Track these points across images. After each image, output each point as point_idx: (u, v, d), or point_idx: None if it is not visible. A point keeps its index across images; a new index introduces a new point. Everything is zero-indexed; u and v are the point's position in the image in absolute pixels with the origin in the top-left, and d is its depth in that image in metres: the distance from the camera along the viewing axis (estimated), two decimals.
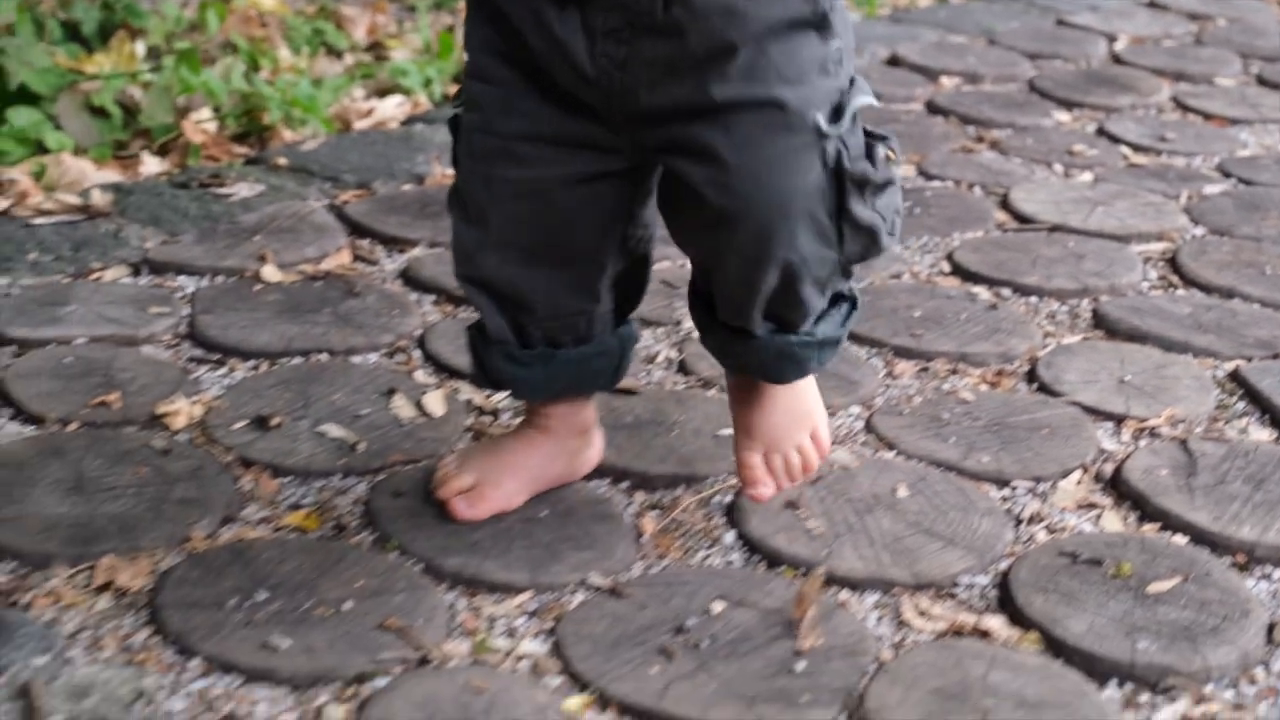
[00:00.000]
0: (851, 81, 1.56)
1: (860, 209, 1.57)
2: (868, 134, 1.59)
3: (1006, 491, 2.00)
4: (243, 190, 3.03)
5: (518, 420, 1.98)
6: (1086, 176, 3.34)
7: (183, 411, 2.10)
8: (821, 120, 1.50)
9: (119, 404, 2.11)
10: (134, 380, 2.18)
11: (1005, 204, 3.13)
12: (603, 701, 1.56)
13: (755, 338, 1.67)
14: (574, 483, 1.91)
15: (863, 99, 1.55)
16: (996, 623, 1.71)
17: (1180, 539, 1.90)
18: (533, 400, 1.84)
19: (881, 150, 1.59)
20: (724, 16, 1.47)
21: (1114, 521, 1.94)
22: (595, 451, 1.90)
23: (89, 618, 1.66)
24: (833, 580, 1.77)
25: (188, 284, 2.56)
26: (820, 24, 1.51)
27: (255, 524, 1.85)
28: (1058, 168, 3.40)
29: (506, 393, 1.99)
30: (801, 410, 1.79)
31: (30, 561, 1.75)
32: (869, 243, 1.62)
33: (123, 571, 1.73)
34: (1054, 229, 2.97)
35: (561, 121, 1.59)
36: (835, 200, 1.55)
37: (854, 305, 1.75)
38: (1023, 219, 3.05)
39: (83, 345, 2.29)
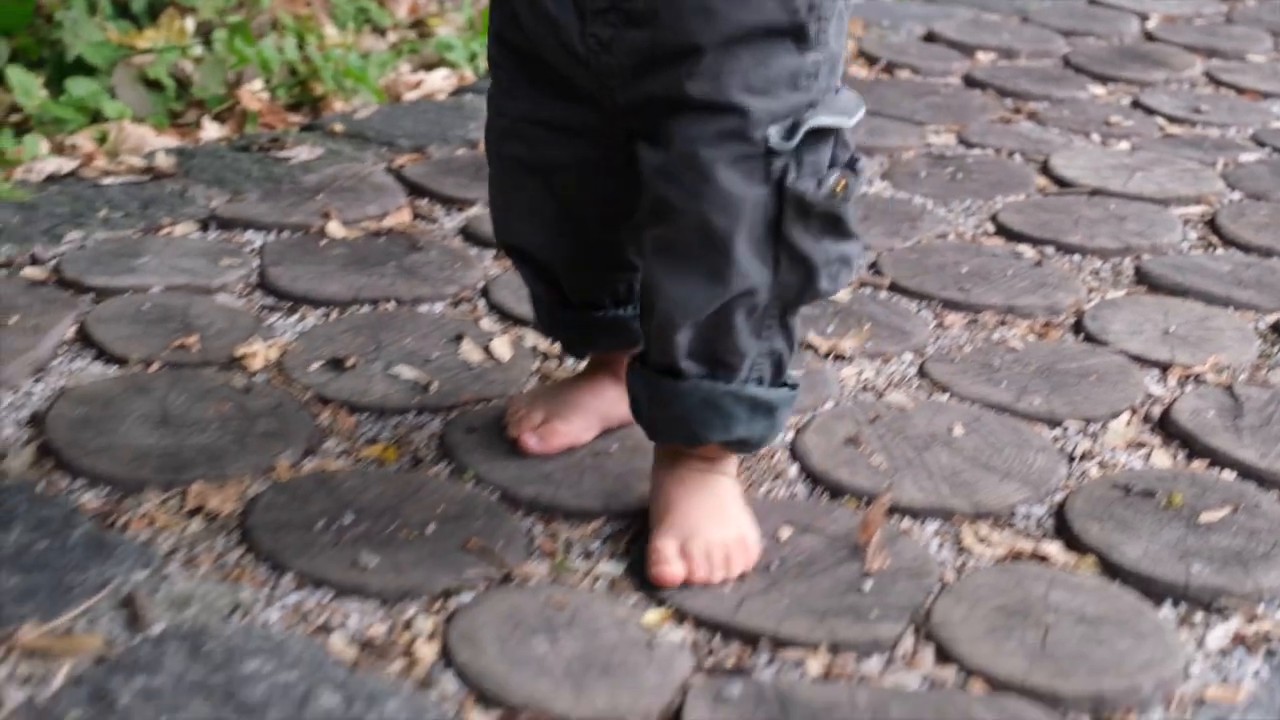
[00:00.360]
0: (825, 97, 1.50)
1: (798, 235, 1.52)
2: (845, 160, 1.54)
3: (1058, 431, 2.05)
4: (302, 153, 3.09)
5: (583, 364, 2.03)
6: (1124, 145, 3.38)
7: (259, 354, 2.15)
8: (775, 135, 1.46)
9: (197, 347, 2.17)
10: (211, 325, 2.24)
11: (1045, 169, 3.18)
12: (679, 616, 1.61)
13: (682, 381, 1.60)
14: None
15: (825, 119, 1.48)
16: (1054, 549, 1.76)
17: (1228, 474, 1.95)
18: (580, 356, 1.91)
19: (833, 177, 1.50)
20: (698, 14, 1.44)
21: (1163, 459, 1.99)
22: None
23: (183, 539, 1.71)
24: (894, 510, 1.82)
25: (255, 238, 2.61)
26: (798, 34, 1.47)
27: (335, 456, 1.90)
28: (1095, 137, 3.44)
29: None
30: (726, 512, 1.69)
31: (124, 487, 1.80)
32: (804, 279, 1.55)
33: (212, 497, 1.78)
34: (1094, 192, 3.02)
35: (556, 107, 1.60)
36: (774, 217, 1.50)
37: (794, 390, 1.68)
38: (1063, 183, 3.09)
39: (159, 293, 2.34)
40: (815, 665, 1.54)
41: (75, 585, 1.60)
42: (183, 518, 1.76)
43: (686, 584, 1.62)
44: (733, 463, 1.72)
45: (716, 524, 1.65)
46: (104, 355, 2.14)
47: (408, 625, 1.58)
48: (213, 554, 1.69)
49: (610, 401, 1.88)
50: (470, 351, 2.20)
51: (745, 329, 1.56)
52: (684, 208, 1.48)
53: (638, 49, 1.49)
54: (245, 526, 1.73)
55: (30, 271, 2.41)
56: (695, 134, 1.46)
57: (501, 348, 2.22)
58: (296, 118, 3.41)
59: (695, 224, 1.48)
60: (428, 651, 1.54)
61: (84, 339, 2.18)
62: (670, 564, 1.62)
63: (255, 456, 1.87)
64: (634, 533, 1.75)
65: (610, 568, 1.70)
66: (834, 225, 1.53)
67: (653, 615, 1.61)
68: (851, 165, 1.53)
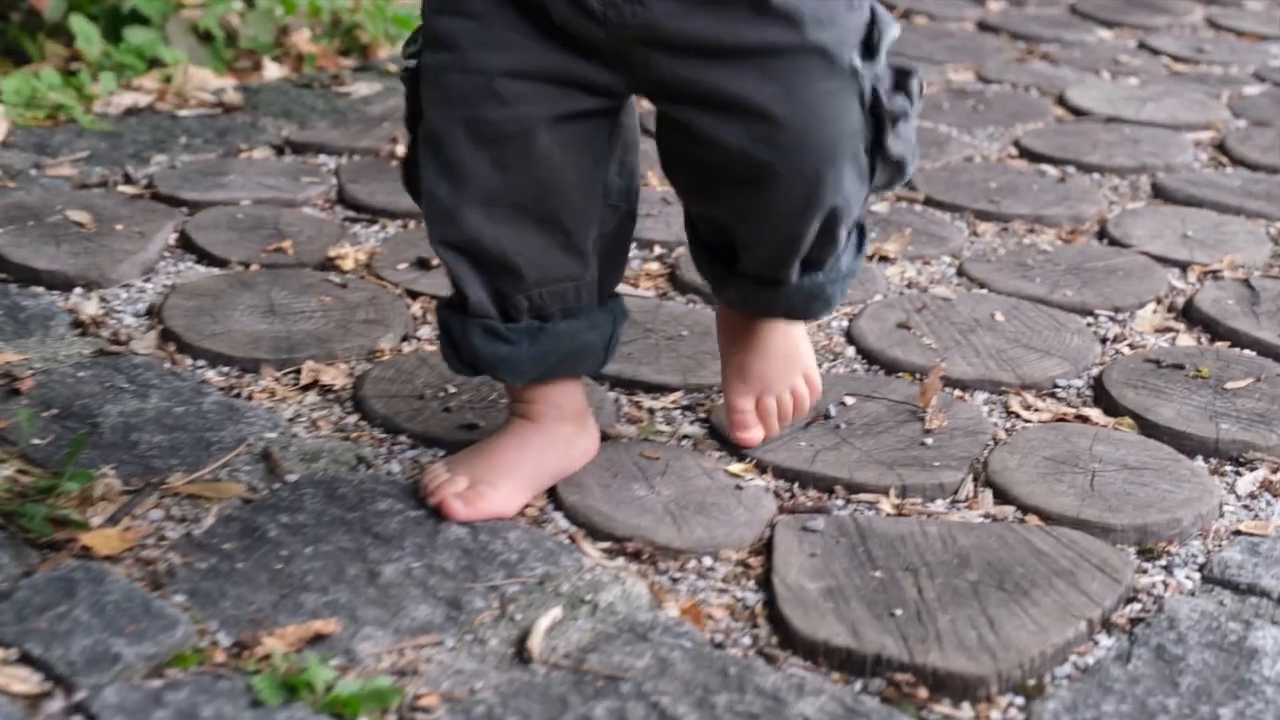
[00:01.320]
0: (873, 12, 1.46)
1: (894, 143, 1.49)
2: (900, 70, 1.51)
3: (1090, 319, 2.19)
4: (361, 89, 3.22)
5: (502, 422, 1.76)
6: (1133, 81, 3.52)
7: (350, 256, 2.29)
8: (857, 61, 1.42)
9: (291, 250, 2.31)
10: (301, 232, 2.37)
11: (1061, 101, 3.32)
12: (760, 467, 1.75)
13: (785, 285, 1.58)
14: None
15: (892, 31, 1.46)
16: (1094, 413, 1.90)
17: (1249, 352, 2.09)
18: (518, 382, 1.61)
19: (915, 82, 1.50)
20: None
21: (1188, 341, 2.13)
22: (592, 439, 1.69)
23: (302, 407, 1.85)
24: (947, 381, 1.95)
25: (329, 161, 2.75)
26: None
27: (431, 341, 2.04)
28: (1105, 75, 3.58)
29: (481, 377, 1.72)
30: (794, 351, 1.71)
31: (242, 366, 1.94)
32: (895, 173, 1.54)
33: (324, 373, 1.92)
34: (1109, 120, 3.15)
35: (548, 55, 1.43)
36: (872, 137, 1.46)
37: (863, 232, 1.67)
38: (1078, 112, 3.23)
39: (248, 206, 2.48)
40: (887, 505, 1.68)
41: (214, 442, 1.73)
42: (299, 391, 1.89)
43: (766, 439, 1.69)
44: None
45: (786, 369, 1.70)
46: (205, 258, 2.27)
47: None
48: (331, 420, 1.82)
49: (538, 457, 1.63)
50: None
51: (845, 233, 1.56)
52: (791, 170, 1.43)
53: None
54: (357, 398, 1.86)
55: (125, 189, 2.54)
56: (782, 88, 1.39)
57: None
58: (348, 61, 3.53)
59: (804, 182, 1.44)
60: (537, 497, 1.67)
61: (186, 244, 2.32)
62: (751, 429, 1.70)
63: (359, 340, 2.00)
64: (711, 403, 1.89)
65: (692, 430, 1.84)
66: (911, 118, 1.52)
67: (737, 466, 1.75)
68: (904, 70, 1.51)
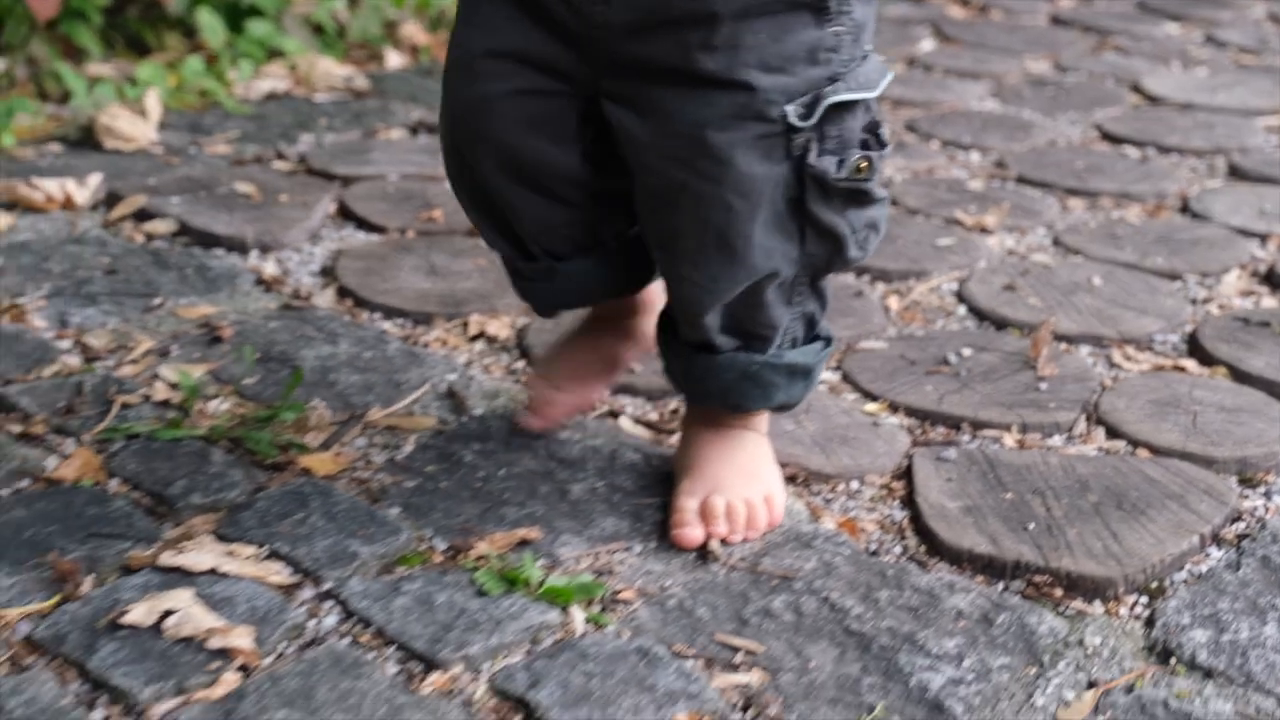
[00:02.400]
0: (848, 68, 1.39)
1: (822, 211, 1.41)
2: (867, 133, 1.43)
3: (1179, 283, 2.36)
4: None
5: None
6: (1203, 71, 3.67)
7: None
8: (793, 113, 1.35)
9: (442, 219, 2.49)
10: (449, 203, 2.55)
11: (1136, 89, 3.47)
12: (893, 407, 1.92)
13: (718, 355, 1.52)
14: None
15: (846, 94, 1.38)
16: (1190, 364, 2.07)
17: None
18: (542, 314, 1.74)
19: (855, 157, 1.40)
20: None
21: (1271, 303, 2.29)
22: (641, 337, 1.75)
23: (474, 354, 2.03)
24: (1053, 337, 2.12)
25: None
26: (818, 5, 1.35)
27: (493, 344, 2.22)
28: (1176, 65, 3.73)
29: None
30: (758, 470, 1.60)
31: (415, 318, 2.12)
32: (832, 250, 1.45)
33: (489, 325, 2.10)
34: (1184, 106, 3.31)
35: (534, 39, 1.44)
36: (796, 194, 1.40)
37: (828, 344, 1.59)
38: (1154, 99, 3.39)
39: (396, 180, 2.66)
40: (1010, 440, 1.84)
41: (402, 382, 1.91)
42: (468, 341, 2.07)
43: (707, 540, 1.56)
44: (764, 420, 1.63)
45: (743, 481, 1.56)
46: (364, 225, 2.46)
47: (676, 412, 1.89)
48: (501, 365, 2.00)
49: (610, 355, 1.75)
50: None
51: (777, 302, 1.47)
52: (701, 193, 1.37)
53: (641, 4, 1.35)
54: (522, 346, 2.04)
55: (279, 165, 2.72)
56: (705, 114, 1.34)
57: None
58: None
59: (717, 210, 1.37)
60: None
61: (345, 213, 2.50)
62: (691, 526, 1.54)
63: (516, 297, 2.18)
64: (844, 351, 2.06)
65: (828, 375, 2.01)
66: (858, 198, 1.43)
67: (871, 406, 1.92)
68: (876, 134, 1.42)
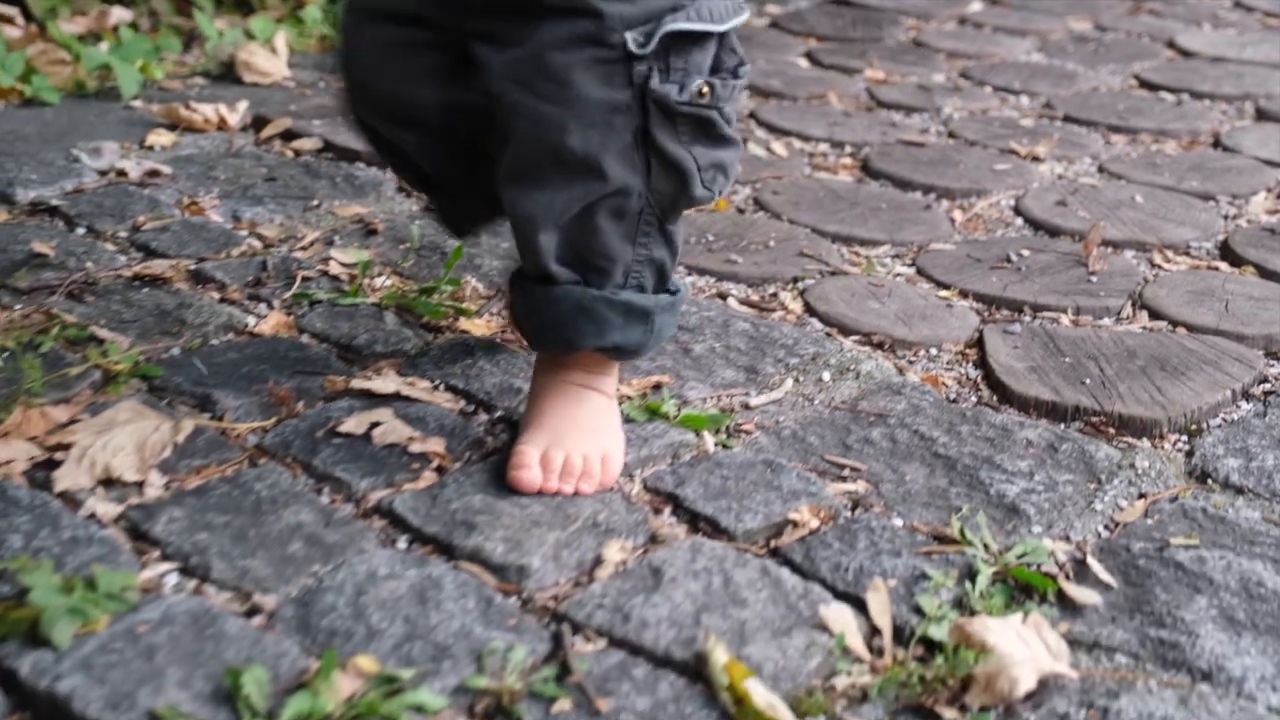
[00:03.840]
0: (694, 1, 1.37)
1: (667, 141, 1.39)
2: (730, 66, 1.43)
3: (1212, 203, 2.59)
4: None
5: None
6: (1232, 31, 3.89)
7: None
8: (631, 40, 1.34)
9: None
10: None
11: (1171, 45, 3.70)
12: (963, 293, 2.16)
13: (555, 286, 1.47)
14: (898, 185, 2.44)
15: (686, 24, 1.36)
16: (1222, 265, 2.30)
17: None
18: (458, 236, 1.90)
19: (697, 82, 1.38)
20: None
21: None
22: None
23: None
24: (1101, 242, 2.36)
25: None
26: None
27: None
28: (1206, 26, 3.95)
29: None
30: (599, 427, 1.55)
31: None
32: (678, 184, 1.42)
33: None
34: (1215, 59, 3.53)
35: None
36: (641, 123, 1.38)
37: (676, 295, 1.55)
38: (1187, 54, 3.61)
39: None
40: (1065, 320, 2.08)
41: None
42: None
43: (541, 492, 1.49)
44: (611, 382, 1.59)
45: (583, 437, 1.51)
46: None
47: (774, 295, 2.13)
48: None
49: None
50: (757, 149, 2.76)
51: (614, 233, 1.43)
52: (541, 112, 1.35)
53: None
54: None
55: None
56: (548, 37, 1.33)
57: (780, 147, 2.77)
58: None
59: (550, 127, 1.35)
60: (795, 306, 2.09)
61: None
62: (529, 469, 1.48)
63: None
64: (914, 253, 2.30)
65: (903, 269, 2.25)
66: (705, 130, 1.41)
67: (944, 292, 2.16)
68: (735, 71, 1.42)
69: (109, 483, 1.47)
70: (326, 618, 1.29)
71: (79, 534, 1.38)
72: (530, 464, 1.48)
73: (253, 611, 1.30)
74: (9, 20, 3.19)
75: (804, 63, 3.45)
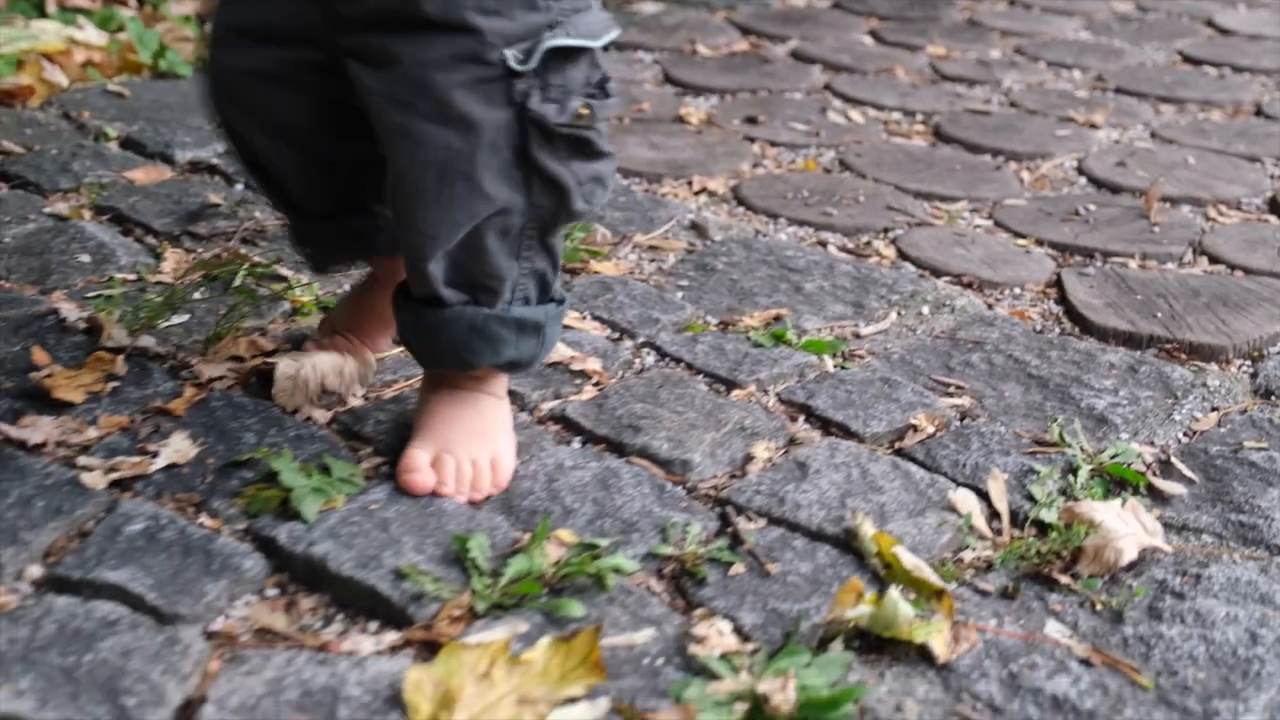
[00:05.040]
0: (569, 17, 1.35)
1: (546, 159, 1.36)
2: (591, 83, 1.40)
3: (1259, 164, 2.76)
4: (648, 8, 3.83)
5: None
6: (1266, 12, 4.06)
7: (694, 114, 2.90)
8: (512, 57, 1.31)
9: (649, 109, 2.93)
10: (649, 98, 2.99)
11: (1210, 24, 3.87)
12: (1038, 242, 2.34)
13: (445, 309, 1.43)
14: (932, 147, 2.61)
15: (566, 40, 1.33)
16: (1271, 218, 2.47)
17: None
18: (319, 270, 1.75)
19: (575, 103, 1.36)
20: None
21: None
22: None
23: (701, 204, 2.46)
24: (1161, 197, 2.54)
25: (645, 56, 3.36)
26: None
27: (774, 168, 2.65)
28: (1242, 8, 4.12)
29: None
30: (487, 430, 1.50)
31: (648, 177, 2.55)
32: (558, 201, 1.39)
33: (709, 182, 2.54)
34: (1252, 37, 3.70)
35: (270, 9, 1.42)
36: (520, 141, 1.34)
37: (561, 304, 1.51)
38: (1225, 31, 3.78)
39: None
40: (1133, 264, 2.27)
41: (654, 218, 2.35)
42: (693, 194, 2.50)
43: (435, 495, 1.45)
44: (502, 383, 1.55)
45: (474, 442, 1.48)
46: None
47: (868, 243, 2.32)
48: (724, 210, 2.43)
49: (384, 313, 1.65)
50: (836, 116, 2.94)
51: (501, 251, 1.40)
52: (421, 134, 1.31)
53: None
54: (739, 197, 2.47)
55: None
56: (427, 56, 1.29)
57: (856, 115, 2.96)
58: None
59: (435, 150, 1.31)
60: (889, 252, 2.27)
61: None
62: (420, 473, 1.44)
63: (724, 163, 2.62)
64: (993, 206, 2.48)
65: (983, 223, 2.43)
66: (582, 147, 1.38)
67: (1021, 241, 2.35)
68: (602, 86, 1.39)
69: (319, 394, 1.65)
70: (526, 500, 1.48)
71: (302, 433, 1.57)
72: (421, 466, 1.44)
73: None
74: (123, 2, 3.38)
75: (869, 40, 3.63)
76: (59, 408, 1.58)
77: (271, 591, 1.33)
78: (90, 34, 3.12)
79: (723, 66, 3.21)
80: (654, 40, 3.39)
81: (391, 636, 1.28)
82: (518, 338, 1.45)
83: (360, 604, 1.31)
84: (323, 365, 1.64)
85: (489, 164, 1.33)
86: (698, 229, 2.25)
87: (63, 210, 2.17)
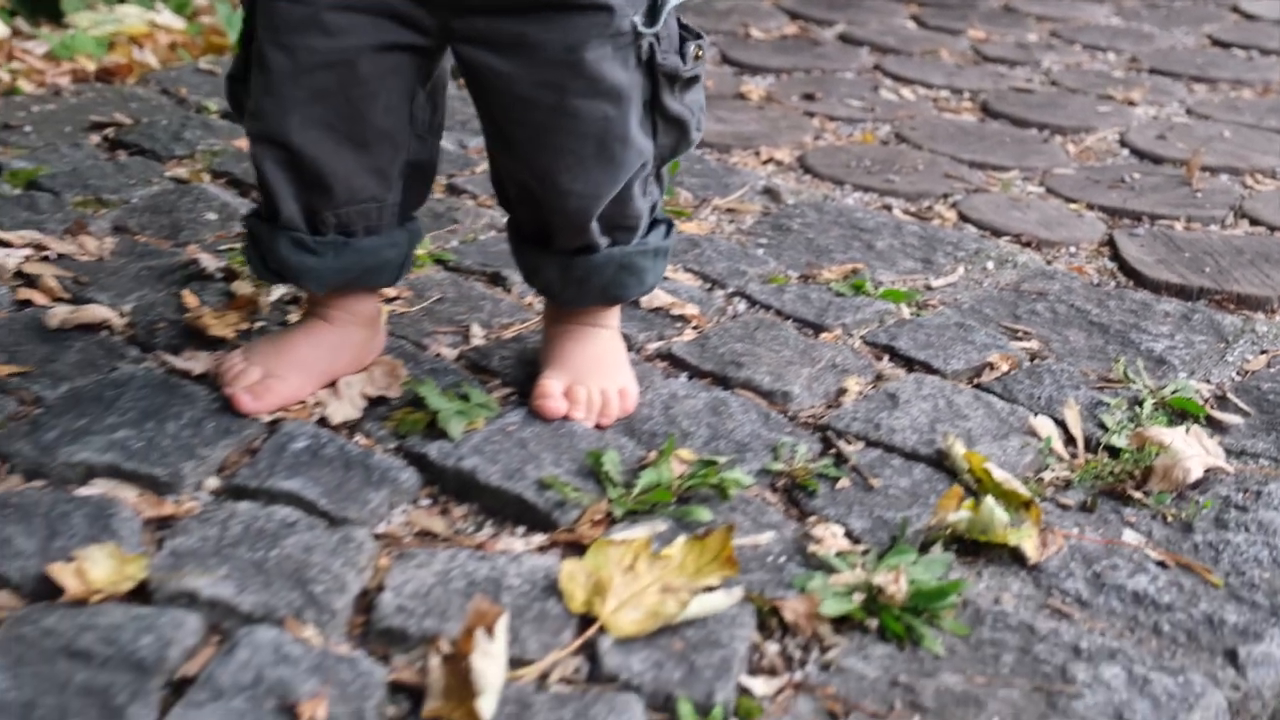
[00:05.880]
0: None
1: (671, 103, 1.45)
2: (682, 29, 1.46)
3: None
4: None
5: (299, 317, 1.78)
6: None
7: (754, 91, 3.03)
8: (639, 22, 1.38)
9: (713, 86, 3.05)
10: (710, 75, 3.11)
11: (1235, 9, 3.99)
12: (1089, 206, 2.47)
13: (596, 254, 1.52)
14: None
15: None
16: None
17: None
18: (320, 291, 1.56)
19: (692, 47, 1.44)
20: None
21: None
22: (380, 340, 1.66)
23: (771, 172, 2.59)
24: (1201, 167, 2.67)
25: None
26: None
27: (836, 140, 2.78)
28: None
29: (287, 285, 1.73)
30: (614, 363, 1.61)
31: (717, 148, 2.68)
32: (679, 135, 1.49)
33: (775, 153, 2.66)
34: (1277, 21, 3.83)
35: None
36: (650, 93, 1.43)
37: (670, 226, 1.61)
38: (1250, 17, 3.90)
39: None
40: (1179, 226, 2.39)
41: (728, 183, 2.47)
42: (761, 163, 2.63)
43: (567, 419, 1.56)
44: (617, 317, 1.65)
45: (601, 373, 1.58)
46: None
47: (930, 207, 2.44)
48: (792, 177, 2.56)
49: (330, 354, 1.60)
50: (888, 94, 3.07)
51: (639, 195, 1.50)
52: (578, 110, 1.37)
53: None
54: (804, 166, 2.60)
55: None
56: (573, 39, 1.35)
57: (907, 93, 3.09)
58: None
59: (593, 123, 1.38)
60: (950, 215, 2.40)
61: None
62: (553, 399, 1.54)
63: (788, 135, 2.74)
64: (1043, 174, 2.61)
65: (1034, 188, 2.56)
66: (693, 86, 1.48)
67: (1073, 205, 2.47)
68: (687, 28, 1.46)
69: (443, 334, 1.78)
70: (646, 424, 1.61)
71: (435, 366, 1.70)
72: (555, 394, 1.54)
73: None
74: None
75: (911, 24, 3.75)
76: (213, 343, 1.70)
77: (425, 501, 1.46)
78: (169, 18, 3.25)
79: (776, 48, 3.33)
80: (708, 24, 3.52)
81: (539, 538, 1.40)
82: (654, 264, 1.56)
83: (508, 511, 1.44)
84: None
85: (634, 122, 1.41)
86: (771, 193, 2.38)
87: (182, 174, 2.29)
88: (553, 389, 1.55)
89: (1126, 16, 3.85)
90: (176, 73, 2.90)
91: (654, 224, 1.57)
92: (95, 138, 2.44)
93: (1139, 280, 2.08)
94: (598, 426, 1.56)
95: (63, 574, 1.26)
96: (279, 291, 1.83)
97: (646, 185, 1.50)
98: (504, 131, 1.43)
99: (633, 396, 1.60)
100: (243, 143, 2.42)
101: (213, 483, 1.44)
